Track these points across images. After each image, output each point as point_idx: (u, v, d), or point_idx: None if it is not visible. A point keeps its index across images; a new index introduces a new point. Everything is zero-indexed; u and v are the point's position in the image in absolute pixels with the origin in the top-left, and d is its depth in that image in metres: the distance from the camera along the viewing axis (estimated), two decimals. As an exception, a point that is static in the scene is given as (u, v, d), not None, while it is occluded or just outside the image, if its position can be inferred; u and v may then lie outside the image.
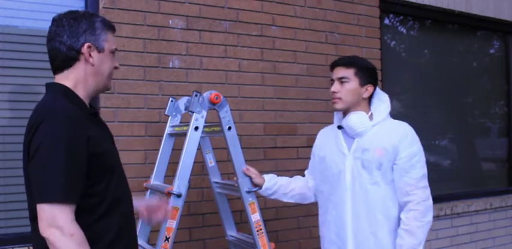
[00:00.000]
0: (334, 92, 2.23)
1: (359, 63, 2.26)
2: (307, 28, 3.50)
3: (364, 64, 2.28)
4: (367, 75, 2.25)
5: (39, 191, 1.43)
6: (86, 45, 1.59)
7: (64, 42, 1.59)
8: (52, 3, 2.75)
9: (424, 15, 4.39)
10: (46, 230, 1.40)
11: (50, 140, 1.44)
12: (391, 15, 4.30)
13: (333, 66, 2.30)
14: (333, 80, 2.27)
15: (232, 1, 3.19)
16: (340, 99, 2.22)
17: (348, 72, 2.22)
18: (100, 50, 1.63)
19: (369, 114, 2.25)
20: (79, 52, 1.59)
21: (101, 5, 2.78)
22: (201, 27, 3.07)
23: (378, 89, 2.32)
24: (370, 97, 2.29)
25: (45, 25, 2.69)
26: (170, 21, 2.97)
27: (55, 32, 1.60)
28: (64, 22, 1.60)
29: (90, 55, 1.60)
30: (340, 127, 2.31)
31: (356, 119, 2.20)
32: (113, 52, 1.69)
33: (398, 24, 4.41)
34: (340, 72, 2.24)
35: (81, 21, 1.60)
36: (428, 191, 2.18)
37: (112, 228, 1.57)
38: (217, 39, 3.13)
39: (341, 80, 2.23)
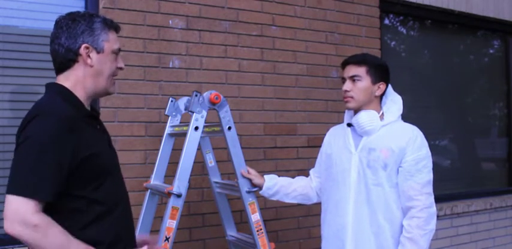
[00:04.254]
0: (346, 91, 2.20)
1: (371, 61, 2.22)
2: (307, 28, 3.50)
3: (376, 61, 2.25)
4: (379, 72, 2.21)
5: (12, 182, 1.42)
6: (84, 46, 1.58)
7: (62, 44, 1.58)
8: (52, 3, 2.75)
9: (424, 15, 4.39)
10: (11, 227, 1.39)
11: (36, 136, 1.43)
12: (391, 15, 4.30)
13: (344, 64, 2.26)
14: (344, 78, 2.24)
15: (232, 1, 3.19)
16: (352, 97, 2.19)
17: (360, 70, 2.19)
18: (99, 51, 1.61)
19: (380, 113, 2.23)
20: (77, 53, 1.59)
21: (101, 5, 2.78)
22: (201, 27, 3.07)
23: (391, 89, 2.29)
24: (382, 95, 2.26)
25: (45, 25, 2.74)
26: (170, 21, 2.97)
27: (55, 34, 1.61)
28: (63, 23, 1.60)
29: (88, 56, 1.59)
30: (349, 125, 2.29)
31: (366, 117, 2.18)
32: (115, 52, 1.67)
33: (398, 24, 4.41)
34: (351, 70, 2.21)
35: (79, 22, 1.60)
36: (432, 198, 2.14)
37: (109, 231, 1.56)
38: (217, 39, 3.13)
39: (353, 78, 2.19)
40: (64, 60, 1.60)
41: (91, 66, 1.61)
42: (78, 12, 1.65)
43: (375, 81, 2.20)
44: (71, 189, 1.48)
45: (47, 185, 1.42)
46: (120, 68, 1.71)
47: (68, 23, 1.59)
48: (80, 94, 1.61)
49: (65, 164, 1.45)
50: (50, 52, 1.63)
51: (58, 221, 1.44)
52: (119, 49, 1.69)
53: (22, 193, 1.40)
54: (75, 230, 1.46)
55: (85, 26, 1.60)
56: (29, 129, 1.46)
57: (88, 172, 1.52)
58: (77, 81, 1.61)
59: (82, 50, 1.58)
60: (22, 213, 1.38)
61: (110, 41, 1.64)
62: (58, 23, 1.62)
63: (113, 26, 1.67)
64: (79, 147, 1.48)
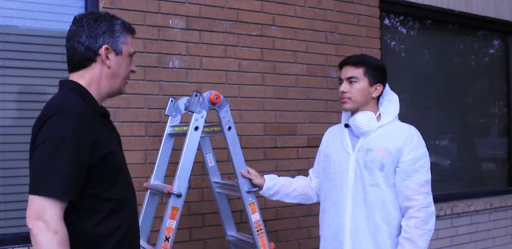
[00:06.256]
0: (343, 92, 2.20)
1: (368, 62, 2.21)
2: (307, 28, 3.51)
3: (373, 63, 2.24)
4: (377, 74, 2.21)
5: (35, 182, 1.42)
6: (104, 47, 1.59)
7: (82, 42, 1.59)
8: (52, 3, 2.75)
9: (424, 15, 4.39)
10: (32, 221, 1.40)
11: (56, 136, 1.43)
12: (391, 15, 4.30)
13: (342, 65, 2.25)
14: (341, 79, 2.23)
15: (232, 1, 3.19)
16: (349, 98, 2.19)
17: (357, 72, 2.19)
18: (118, 53, 1.63)
19: (377, 114, 2.23)
20: (96, 53, 1.60)
21: (101, 5, 2.78)
22: (201, 27, 3.07)
23: (388, 89, 2.29)
24: (379, 96, 2.26)
25: (45, 25, 2.74)
26: (170, 21, 2.97)
27: (75, 32, 1.61)
28: (84, 22, 1.60)
29: (107, 57, 1.61)
30: (347, 126, 2.29)
31: (363, 118, 2.18)
32: (131, 55, 1.69)
33: (398, 24, 4.41)
34: (349, 71, 2.20)
35: (101, 22, 1.61)
36: (430, 198, 2.13)
37: (119, 228, 1.57)
38: (217, 39, 3.13)
39: (350, 80, 2.19)
40: (82, 59, 1.60)
41: (109, 67, 1.62)
42: (98, 12, 1.67)
43: (372, 83, 2.20)
44: (86, 188, 1.49)
45: (71, 185, 1.44)
46: (132, 71, 1.73)
47: (89, 22, 1.60)
48: (94, 93, 1.62)
49: (85, 163, 1.47)
50: (67, 49, 1.63)
51: (70, 220, 1.45)
52: (134, 53, 1.72)
53: (46, 193, 1.40)
54: (87, 228, 1.48)
55: (106, 27, 1.61)
56: (47, 128, 1.45)
57: (104, 170, 1.53)
58: (92, 80, 1.61)
59: (102, 50, 1.60)
60: (49, 215, 1.39)
61: (127, 43, 1.66)
62: (78, 21, 1.61)
63: (130, 29, 1.69)
64: (96, 146, 1.50)
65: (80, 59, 1.60)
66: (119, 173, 1.62)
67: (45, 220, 1.39)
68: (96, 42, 1.59)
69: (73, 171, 1.44)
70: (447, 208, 4.19)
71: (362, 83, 2.19)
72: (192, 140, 2.31)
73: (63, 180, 1.42)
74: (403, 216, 2.14)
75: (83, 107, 1.53)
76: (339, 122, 2.47)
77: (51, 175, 1.42)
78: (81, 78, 1.61)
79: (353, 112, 2.25)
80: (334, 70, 3.60)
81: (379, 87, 2.22)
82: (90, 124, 1.51)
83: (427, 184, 2.14)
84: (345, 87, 2.20)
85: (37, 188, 1.41)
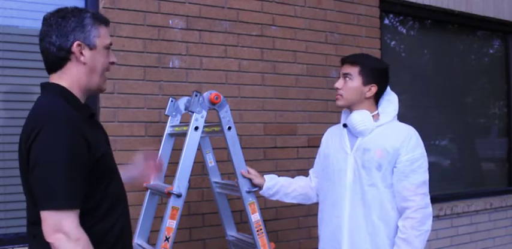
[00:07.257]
0: (337, 88, 2.23)
1: (365, 62, 2.22)
2: (307, 28, 3.50)
3: (370, 63, 2.24)
4: (372, 74, 2.20)
5: (44, 198, 1.41)
6: (76, 43, 1.54)
7: (53, 42, 1.55)
8: (52, 3, 2.75)
9: (424, 15, 4.39)
10: (51, 236, 1.39)
11: (52, 147, 1.41)
12: (391, 15, 4.30)
13: (342, 62, 2.29)
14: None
15: (232, 1, 3.19)
16: (341, 95, 2.22)
17: (353, 70, 2.20)
18: (92, 47, 1.58)
19: (375, 113, 2.23)
20: (69, 51, 1.55)
21: (101, 5, 2.78)
22: (201, 27, 3.07)
23: (388, 89, 2.29)
24: (378, 97, 2.26)
25: (45, 25, 2.73)
26: (170, 21, 2.97)
27: (45, 32, 1.56)
28: (52, 21, 1.56)
29: (81, 53, 1.56)
30: (345, 126, 2.30)
31: (358, 117, 2.18)
32: (107, 47, 1.63)
33: (398, 24, 4.41)
34: (346, 68, 2.23)
35: (69, 19, 1.55)
36: (427, 199, 2.13)
37: (115, 227, 1.57)
38: (217, 39, 3.13)
39: (345, 76, 2.22)
40: (56, 59, 1.56)
41: (84, 64, 1.57)
42: (66, 8, 1.61)
43: (366, 82, 2.20)
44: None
45: (78, 194, 1.44)
46: (113, 63, 1.68)
47: (57, 21, 1.55)
48: (77, 93, 1.59)
49: (85, 168, 1.46)
50: (41, 51, 1.59)
51: None
52: (111, 44, 1.66)
53: (58, 206, 1.39)
54: (85, 228, 1.47)
55: (76, 23, 1.55)
56: (42, 139, 1.42)
57: (100, 171, 1.53)
58: (72, 80, 1.58)
59: (75, 48, 1.55)
60: (66, 225, 1.39)
61: (101, 36, 1.60)
62: (47, 21, 1.57)
63: (103, 20, 1.63)
64: (92, 148, 1.48)
65: (54, 60, 1.56)
66: (112, 172, 1.61)
67: (65, 231, 1.38)
68: (67, 40, 1.54)
69: (75, 178, 1.43)
70: (447, 208, 4.19)
71: (355, 81, 2.20)
72: (192, 140, 2.31)
73: (70, 189, 1.41)
74: (400, 217, 2.14)
75: (71, 112, 1.49)
76: (338, 122, 2.48)
77: (58, 188, 1.40)
78: (61, 79, 1.57)
79: (351, 111, 2.26)
80: (334, 70, 3.60)
81: (373, 88, 2.21)
82: (82, 128, 1.48)
83: (424, 184, 2.13)
84: (339, 83, 2.24)
85: (47, 204, 1.40)
